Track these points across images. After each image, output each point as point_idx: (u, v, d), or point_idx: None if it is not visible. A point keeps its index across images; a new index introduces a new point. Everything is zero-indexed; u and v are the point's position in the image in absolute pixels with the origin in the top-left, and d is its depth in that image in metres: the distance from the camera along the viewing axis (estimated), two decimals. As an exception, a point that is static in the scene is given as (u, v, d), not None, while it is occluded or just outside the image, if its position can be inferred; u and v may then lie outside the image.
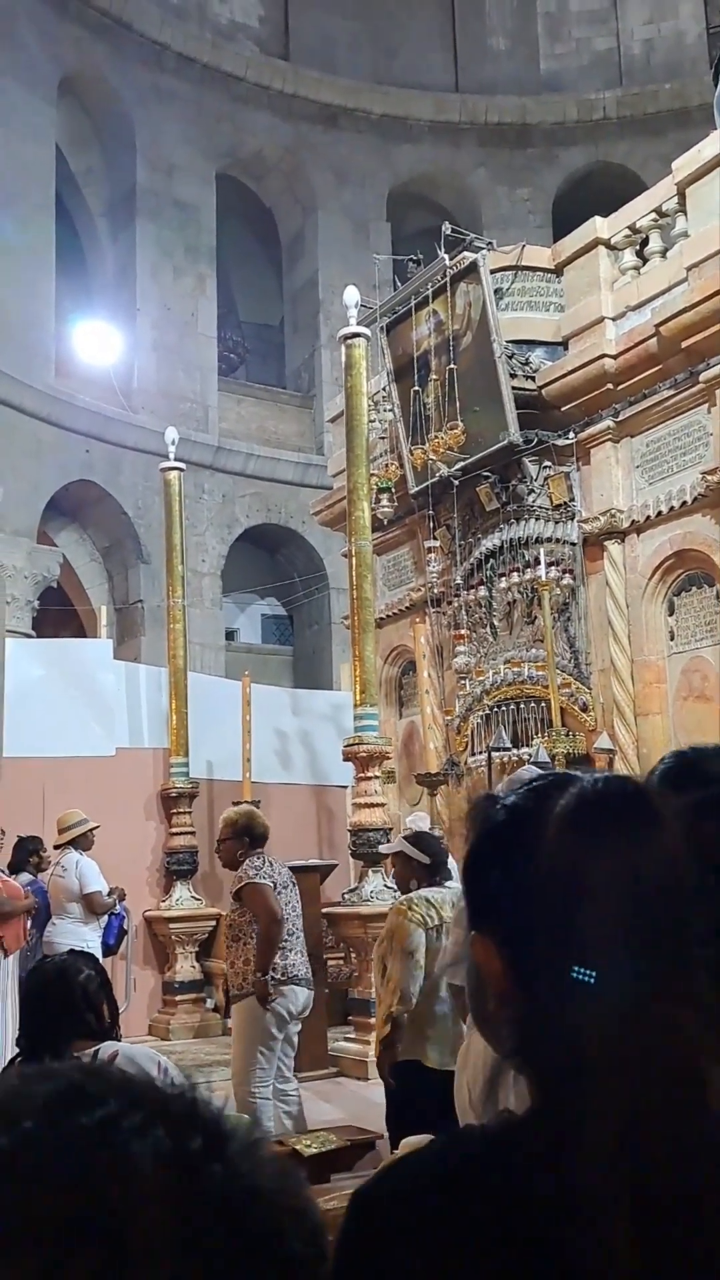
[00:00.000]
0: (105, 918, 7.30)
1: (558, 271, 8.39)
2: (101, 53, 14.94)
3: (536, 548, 8.09)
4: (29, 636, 12.05)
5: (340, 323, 8.13)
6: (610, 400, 7.84)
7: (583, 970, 0.66)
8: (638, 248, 7.89)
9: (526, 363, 8.26)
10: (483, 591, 8.68)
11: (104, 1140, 0.47)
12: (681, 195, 7.43)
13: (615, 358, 7.68)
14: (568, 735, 7.64)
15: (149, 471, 12.87)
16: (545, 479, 8.27)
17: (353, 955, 7.54)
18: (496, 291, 8.16)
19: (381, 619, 9.24)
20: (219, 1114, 0.51)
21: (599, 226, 8.02)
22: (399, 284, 9.23)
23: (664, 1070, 0.65)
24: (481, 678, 8.56)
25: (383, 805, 7.57)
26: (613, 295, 7.89)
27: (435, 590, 8.99)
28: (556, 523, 8.21)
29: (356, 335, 7.70)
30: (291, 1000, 5.13)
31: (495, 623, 8.69)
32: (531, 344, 8.35)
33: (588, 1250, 0.63)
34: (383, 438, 9.30)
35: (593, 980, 0.66)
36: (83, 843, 7.28)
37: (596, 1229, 0.63)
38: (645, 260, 7.83)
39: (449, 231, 8.35)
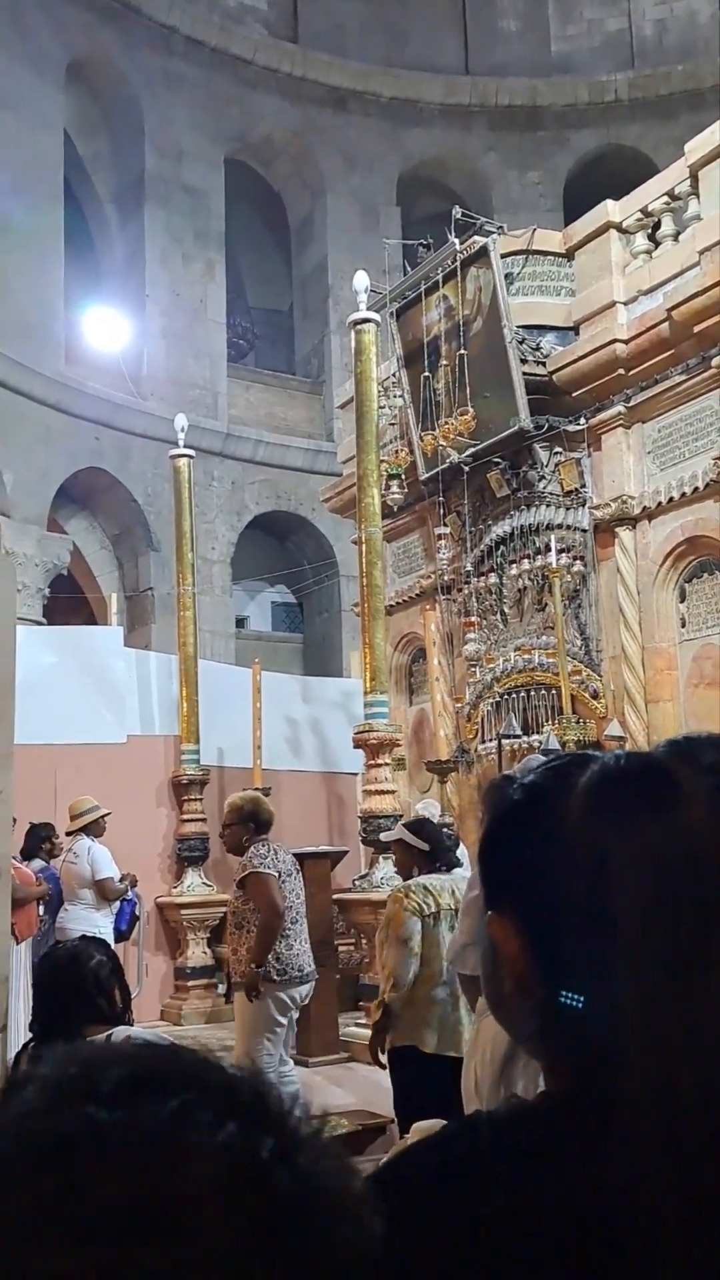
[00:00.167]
0: (117, 904, 7.34)
1: (569, 256, 8.34)
2: (110, 37, 14.86)
3: (547, 534, 8.06)
4: (40, 624, 12.08)
5: (350, 308, 8.08)
6: (622, 385, 7.79)
7: (599, 960, 0.64)
8: (650, 231, 7.83)
9: (537, 348, 8.22)
10: (493, 578, 8.66)
11: (175, 1134, 0.46)
12: (694, 178, 7.37)
13: (627, 343, 7.63)
14: (578, 722, 7.63)
15: (159, 458, 12.86)
16: (556, 465, 8.24)
17: (363, 941, 7.56)
18: (507, 276, 8.11)
19: (392, 606, 9.22)
20: (287, 1109, 0.50)
21: (610, 210, 7.96)
22: (409, 269, 9.18)
23: (707, 1052, 0.63)
24: (492, 665, 8.55)
25: (393, 792, 7.57)
26: (624, 279, 7.83)
27: (445, 577, 8.97)
28: (567, 509, 8.18)
29: (366, 320, 7.66)
30: (294, 988, 5.16)
31: (506, 609, 8.67)
32: (542, 329, 8.31)
33: (630, 1247, 0.60)
34: (393, 424, 9.27)
35: (610, 971, 0.64)
36: (94, 829, 7.33)
37: (640, 1225, 0.60)
38: (657, 244, 7.77)
39: (459, 215, 8.29)
